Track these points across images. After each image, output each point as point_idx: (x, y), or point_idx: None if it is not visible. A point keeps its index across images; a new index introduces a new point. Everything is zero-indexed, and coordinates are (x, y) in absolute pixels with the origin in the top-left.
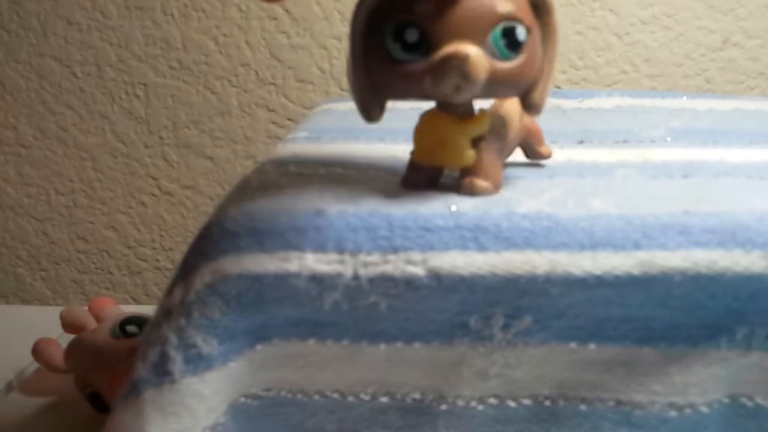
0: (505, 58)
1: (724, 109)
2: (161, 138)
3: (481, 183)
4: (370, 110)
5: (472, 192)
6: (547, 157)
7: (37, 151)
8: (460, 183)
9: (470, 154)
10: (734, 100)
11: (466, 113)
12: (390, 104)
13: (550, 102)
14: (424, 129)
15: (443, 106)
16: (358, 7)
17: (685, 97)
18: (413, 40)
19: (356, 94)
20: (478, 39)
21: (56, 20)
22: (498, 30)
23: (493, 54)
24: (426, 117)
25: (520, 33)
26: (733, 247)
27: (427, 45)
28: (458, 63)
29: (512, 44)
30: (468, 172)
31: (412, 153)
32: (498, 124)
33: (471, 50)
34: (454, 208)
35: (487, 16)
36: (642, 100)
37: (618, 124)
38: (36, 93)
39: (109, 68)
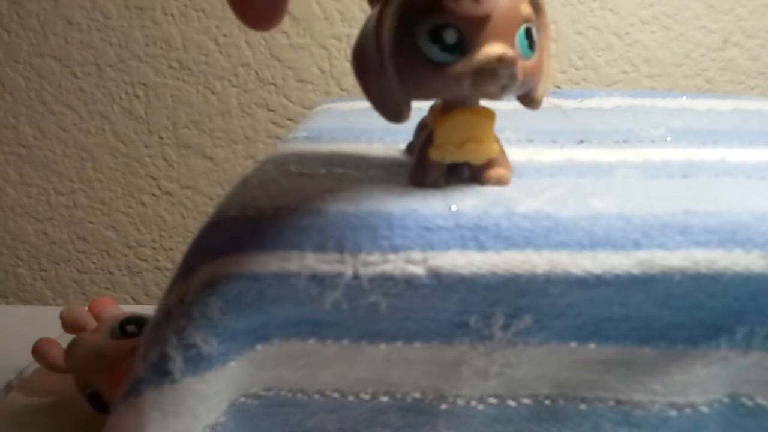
0: (527, 58)
1: (724, 109)
2: (161, 138)
3: (506, 173)
4: (402, 111)
5: (500, 182)
6: None
7: (37, 151)
8: (481, 176)
9: (496, 147)
10: (734, 100)
11: (482, 107)
12: None
13: (550, 102)
14: (453, 125)
15: (459, 103)
16: (384, 8)
17: (685, 97)
18: (452, 41)
19: (383, 96)
20: (509, 40)
21: (56, 20)
22: (522, 30)
23: (518, 54)
24: (455, 113)
25: (535, 33)
26: (733, 247)
27: (464, 46)
28: (508, 64)
29: (531, 44)
30: (490, 164)
31: (430, 151)
32: None
33: (512, 51)
34: (454, 207)
35: (515, 17)
36: (642, 100)
37: (618, 124)
38: (36, 93)
39: (109, 68)
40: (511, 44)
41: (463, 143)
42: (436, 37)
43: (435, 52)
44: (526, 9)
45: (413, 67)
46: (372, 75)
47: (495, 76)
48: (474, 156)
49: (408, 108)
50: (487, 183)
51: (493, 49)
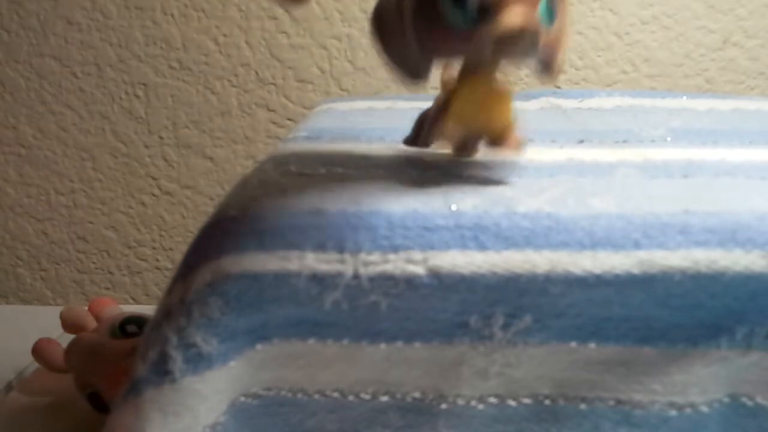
0: (548, 26)
1: (724, 109)
2: (161, 138)
3: (522, 138)
4: (420, 70)
5: (519, 148)
6: None
7: (37, 151)
8: (500, 143)
9: (510, 116)
10: (734, 100)
11: (498, 78)
12: (389, 104)
13: (550, 102)
14: (470, 93)
15: (471, 71)
16: None
17: (685, 97)
18: (475, 5)
19: (402, 57)
20: (533, 7)
21: (56, 20)
22: (545, 0)
23: (541, 22)
24: (472, 82)
25: (555, 2)
26: (733, 247)
27: (488, 9)
28: (531, 35)
29: (552, 13)
30: (506, 132)
31: (445, 117)
32: None
33: (535, 20)
34: (454, 207)
35: None
36: (642, 100)
37: (618, 124)
38: (36, 93)
39: (109, 68)
40: (534, 7)
41: (479, 113)
42: (458, 1)
43: (457, 16)
44: None
45: (434, 29)
46: (391, 37)
47: (517, 45)
48: (490, 123)
49: (427, 67)
50: (508, 148)
51: (515, 17)
